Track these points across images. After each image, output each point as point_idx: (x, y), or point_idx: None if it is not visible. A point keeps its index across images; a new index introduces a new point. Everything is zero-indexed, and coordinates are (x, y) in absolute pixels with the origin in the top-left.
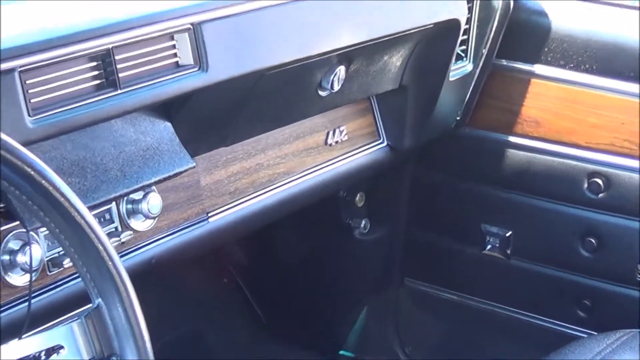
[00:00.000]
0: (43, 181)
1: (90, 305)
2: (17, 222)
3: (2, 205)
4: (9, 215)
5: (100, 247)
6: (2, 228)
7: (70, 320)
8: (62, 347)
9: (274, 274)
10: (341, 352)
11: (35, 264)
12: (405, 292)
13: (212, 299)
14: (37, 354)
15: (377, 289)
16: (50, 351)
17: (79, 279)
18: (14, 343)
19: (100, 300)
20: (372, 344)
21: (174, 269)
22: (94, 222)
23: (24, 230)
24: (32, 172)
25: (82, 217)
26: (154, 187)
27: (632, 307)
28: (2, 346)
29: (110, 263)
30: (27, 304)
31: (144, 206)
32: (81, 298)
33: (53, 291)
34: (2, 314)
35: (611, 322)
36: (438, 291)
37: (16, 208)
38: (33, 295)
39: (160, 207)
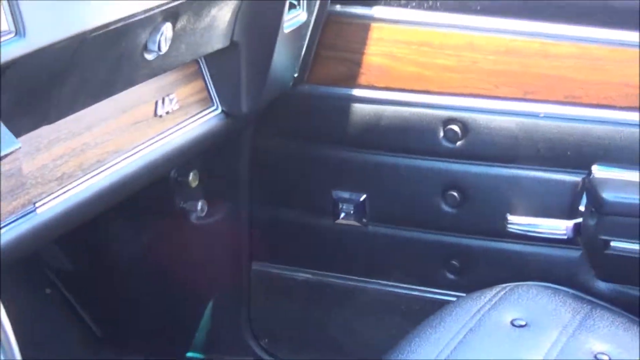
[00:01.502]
0: None
1: None
2: None
3: None
4: None
5: None
6: None
7: None
8: None
9: (104, 276)
10: (188, 354)
11: None
12: (256, 278)
13: (33, 316)
14: None
15: (223, 278)
16: None
17: None
18: None
19: None
20: (223, 340)
21: None
22: None
23: None
24: None
25: None
26: None
27: (504, 262)
28: None
29: None
30: None
31: None
32: None
33: None
34: None
35: (484, 280)
36: (292, 272)
37: None
38: None
39: None
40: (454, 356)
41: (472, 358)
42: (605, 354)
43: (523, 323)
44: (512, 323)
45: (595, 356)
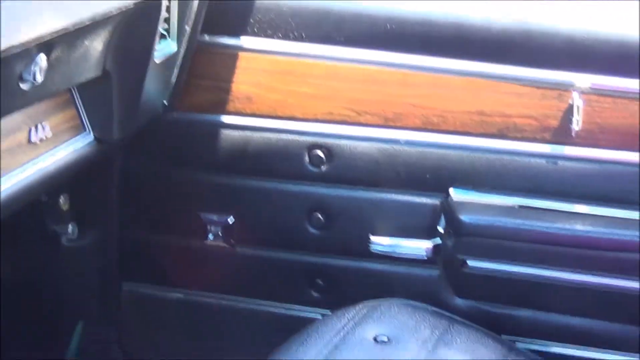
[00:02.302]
0: None
1: None
2: None
3: None
4: None
5: None
6: None
7: None
8: None
9: None
10: None
11: None
12: (127, 299)
13: None
14: None
15: (94, 298)
16: None
17: None
18: None
19: None
20: None
21: None
22: None
23: None
24: None
25: None
26: None
27: (367, 280)
28: None
29: None
30: None
31: None
32: None
33: None
34: None
35: (348, 297)
36: (162, 292)
37: None
38: None
39: None
40: None
41: None
42: None
43: (385, 339)
44: (375, 339)
45: None
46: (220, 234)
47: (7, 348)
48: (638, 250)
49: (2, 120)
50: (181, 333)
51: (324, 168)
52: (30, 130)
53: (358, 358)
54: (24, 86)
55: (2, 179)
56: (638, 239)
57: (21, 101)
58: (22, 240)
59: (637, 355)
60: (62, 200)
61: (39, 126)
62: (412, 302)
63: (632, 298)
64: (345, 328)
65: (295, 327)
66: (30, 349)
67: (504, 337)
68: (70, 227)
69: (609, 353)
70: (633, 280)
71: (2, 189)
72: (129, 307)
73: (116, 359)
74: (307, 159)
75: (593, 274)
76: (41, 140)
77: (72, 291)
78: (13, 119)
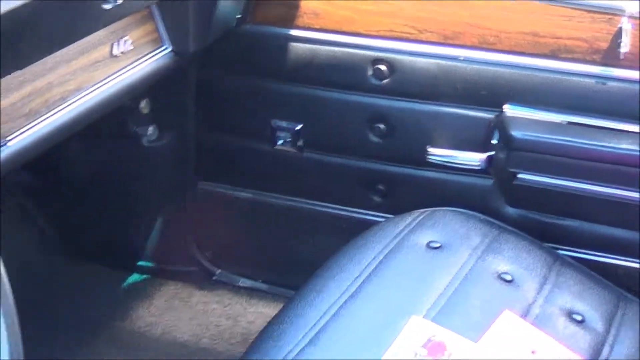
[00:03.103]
0: None
1: None
2: None
3: None
4: None
5: None
6: None
7: None
8: None
9: (65, 194)
10: (139, 262)
11: None
12: (201, 196)
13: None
14: None
15: (172, 196)
16: None
17: None
18: None
19: None
20: (171, 252)
21: None
22: None
23: None
24: None
25: None
26: None
27: (423, 188)
28: None
29: None
30: None
31: None
32: None
33: None
34: None
35: (406, 204)
36: (234, 191)
37: None
38: None
39: None
40: (375, 274)
41: (390, 277)
42: (509, 274)
43: (438, 245)
44: (428, 245)
45: (499, 276)
46: (289, 140)
47: (96, 232)
48: None
49: (88, 37)
50: (249, 230)
51: (385, 81)
52: (112, 44)
53: (411, 262)
54: (106, 6)
55: (89, 90)
56: None
57: (103, 20)
58: (106, 143)
59: None
60: (143, 104)
61: (121, 41)
62: (464, 210)
63: None
64: (401, 234)
65: (356, 230)
66: (115, 235)
67: (548, 245)
68: (150, 129)
69: None
70: None
71: (89, 98)
72: (203, 206)
73: (191, 249)
74: (370, 72)
75: (637, 191)
76: (123, 53)
77: (152, 188)
78: (97, 35)
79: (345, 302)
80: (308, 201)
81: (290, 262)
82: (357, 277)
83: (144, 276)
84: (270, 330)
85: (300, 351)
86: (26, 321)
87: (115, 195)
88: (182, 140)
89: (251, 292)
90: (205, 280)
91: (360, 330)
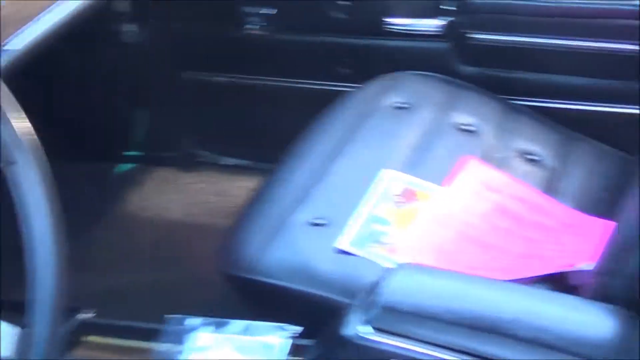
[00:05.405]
0: None
1: None
2: None
3: None
4: None
5: None
6: None
7: None
8: None
9: (48, 91)
10: (126, 152)
11: None
12: (182, 85)
13: None
14: None
15: (156, 87)
16: None
17: None
18: None
19: None
20: (160, 140)
21: None
22: None
23: None
24: None
25: None
26: None
27: (386, 57)
28: None
29: None
30: None
31: None
32: None
33: None
34: None
35: (370, 73)
36: (210, 77)
37: None
38: None
39: None
40: (351, 137)
41: (365, 137)
42: (469, 125)
43: (404, 105)
44: (395, 106)
45: (460, 127)
46: (259, 24)
47: (84, 126)
48: (637, 17)
49: None
50: (229, 112)
51: None
52: None
53: (382, 122)
54: None
55: None
56: (638, 7)
57: None
58: (92, 42)
59: (637, 106)
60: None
61: None
62: (425, 72)
63: (632, 59)
64: (370, 99)
65: (328, 101)
66: (103, 126)
67: (503, 96)
68: (132, 27)
69: (607, 106)
70: (633, 43)
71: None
72: (187, 94)
73: (178, 134)
74: None
75: (592, 40)
76: None
77: (138, 79)
78: None
79: (327, 163)
80: (282, 79)
81: (270, 137)
82: (335, 141)
83: (133, 165)
84: (262, 194)
85: (291, 209)
86: None
87: (103, 93)
88: (161, 34)
89: (236, 169)
90: (191, 163)
91: (342, 185)
